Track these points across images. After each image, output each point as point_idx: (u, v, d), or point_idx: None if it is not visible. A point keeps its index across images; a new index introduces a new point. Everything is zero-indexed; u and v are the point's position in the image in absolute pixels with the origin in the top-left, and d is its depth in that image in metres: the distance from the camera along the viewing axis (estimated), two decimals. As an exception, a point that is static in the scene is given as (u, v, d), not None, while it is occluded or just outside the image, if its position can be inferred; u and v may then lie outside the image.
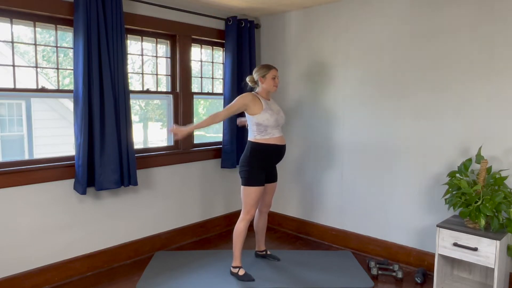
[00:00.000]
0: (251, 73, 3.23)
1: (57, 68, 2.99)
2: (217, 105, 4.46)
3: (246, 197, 2.95)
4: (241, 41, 3.93)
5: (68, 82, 3.68)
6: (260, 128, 2.91)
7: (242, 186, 2.97)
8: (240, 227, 2.98)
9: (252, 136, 2.96)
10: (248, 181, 2.93)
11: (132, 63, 3.79)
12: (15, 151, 4.50)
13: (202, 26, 3.80)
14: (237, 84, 3.86)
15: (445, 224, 2.62)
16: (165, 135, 3.82)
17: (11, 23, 2.72)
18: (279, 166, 4.13)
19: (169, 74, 3.70)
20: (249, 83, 3.08)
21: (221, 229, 4.13)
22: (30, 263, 2.81)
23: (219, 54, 4.16)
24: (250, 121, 2.96)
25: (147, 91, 3.53)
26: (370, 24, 3.34)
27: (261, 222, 3.29)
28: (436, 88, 3.01)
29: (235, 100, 2.92)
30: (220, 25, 3.95)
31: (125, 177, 3.10)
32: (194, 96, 3.86)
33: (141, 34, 3.43)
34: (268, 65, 3.02)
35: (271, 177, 3.13)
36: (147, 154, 3.46)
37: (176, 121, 3.73)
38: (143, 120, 4.85)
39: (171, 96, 3.71)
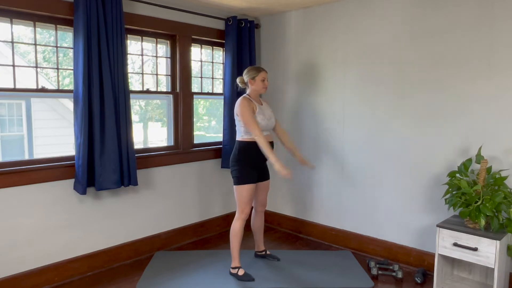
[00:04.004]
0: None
1: (57, 68, 2.99)
2: (217, 105, 4.46)
3: (239, 196, 2.97)
4: (241, 41, 3.93)
5: (68, 82, 3.68)
6: (248, 129, 2.93)
7: (234, 186, 2.99)
8: (236, 227, 2.99)
9: (240, 135, 2.99)
10: (239, 180, 2.95)
11: (132, 63, 3.79)
12: (15, 151, 4.50)
13: (202, 26, 3.80)
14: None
15: (445, 224, 2.62)
16: (165, 135, 3.82)
17: (11, 23, 2.72)
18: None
19: (169, 74, 3.70)
20: (239, 84, 3.11)
21: (221, 229, 4.13)
22: (30, 263, 2.82)
23: (219, 54, 4.16)
24: (237, 122, 2.99)
25: (147, 91, 3.53)
26: (370, 24, 3.35)
27: (258, 222, 3.29)
28: (436, 88, 3.01)
29: (243, 114, 2.86)
30: (220, 25, 3.95)
31: (125, 177, 3.10)
32: (194, 96, 3.86)
33: (141, 34, 3.43)
34: (257, 67, 3.05)
35: (263, 175, 3.14)
36: (147, 154, 3.46)
37: (176, 121, 3.73)
38: (143, 120, 4.85)
39: (171, 96, 3.71)
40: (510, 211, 2.42)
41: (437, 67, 2.99)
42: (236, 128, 3.04)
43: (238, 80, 3.12)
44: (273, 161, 2.80)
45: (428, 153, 3.09)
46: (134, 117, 4.19)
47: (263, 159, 3.07)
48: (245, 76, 3.04)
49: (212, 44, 4.02)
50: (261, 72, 3.02)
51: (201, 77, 4.00)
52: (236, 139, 3.03)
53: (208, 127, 4.76)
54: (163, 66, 3.72)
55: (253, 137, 2.86)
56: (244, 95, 3.04)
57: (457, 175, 2.65)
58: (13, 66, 2.74)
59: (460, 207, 2.57)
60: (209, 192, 4.02)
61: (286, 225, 4.18)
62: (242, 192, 2.95)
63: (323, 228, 3.83)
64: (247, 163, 2.96)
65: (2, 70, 3.02)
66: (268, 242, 3.76)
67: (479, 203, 2.46)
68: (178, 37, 3.63)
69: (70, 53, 3.08)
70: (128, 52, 3.27)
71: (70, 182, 2.96)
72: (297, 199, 4.07)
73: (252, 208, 3.21)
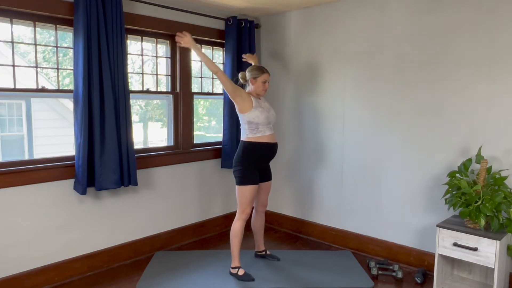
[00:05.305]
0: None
1: (57, 68, 2.99)
2: (217, 105, 4.46)
3: (240, 196, 2.97)
4: (241, 41, 3.93)
5: (68, 82, 3.68)
6: (251, 126, 2.94)
7: (236, 186, 2.99)
8: (236, 227, 2.99)
9: (244, 135, 2.99)
10: (242, 180, 2.95)
11: (132, 63, 3.79)
12: (15, 151, 4.50)
13: (202, 26, 3.80)
14: (237, 84, 3.85)
15: (445, 224, 2.62)
16: (165, 135, 3.82)
17: (11, 23, 2.72)
18: (280, 166, 4.14)
19: (169, 74, 3.70)
20: (240, 79, 3.12)
21: (221, 229, 4.13)
22: (30, 263, 2.82)
23: (219, 54, 4.16)
24: (241, 120, 3.00)
25: (147, 91, 3.53)
26: (370, 24, 3.34)
27: (258, 222, 3.29)
28: (436, 88, 3.01)
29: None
30: (220, 25, 3.95)
31: (125, 177, 3.10)
32: (194, 96, 3.86)
33: (141, 34, 3.43)
34: (261, 68, 3.04)
35: (266, 176, 3.14)
36: (147, 154, 3.46)
37: (176, 121, 3.73)
38: (143, 120, 4.85)
39: (171, 96, 3.71)
40: (510, 211, 2.42)
41: (437, 67, 2.99)
42: (241, 127, 3.04)
43: (240, 75, 3.12)
44: (199, 48, 2.96)
45: (428, 153, 3.08)
46: (134, 117, 4.19)
47: (266, 159, 3.07)
48: (248, 73, 3.04)
49: (212, 44, 4.02)
50: (264, 74, 3.01)
51: (201, 77, 3.99)
52: (241, 139, 3.03)
53: (208, 127, 4.76)
54: (163, 66, 3.72)
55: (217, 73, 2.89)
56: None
57: (457, 175, 2.65)
58: (13, 66, 2.74)
59: (460, 207, 2.57)
60: (209, 192, 4.02)
61: (286, 225, 4.18)
62: (244, 192, 2.95)
63: (323, 228, 3.83)
64: (251, 163, 2.96)
65: (2, 70, 3.02)
66: (268, 242, 3.76)
67: (479, 203, 2.46)
68: (178, 37, 3.63)
69: (70, 53, 3.08)
70: (128, 52, 3.27)
71: (70, 182, 2.96)
72: (297, 199, 4.07)
73: (252, 208, 3.21)
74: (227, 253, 3.42)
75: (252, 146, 2.95)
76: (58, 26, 2.93)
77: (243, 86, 3.15)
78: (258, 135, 2.95)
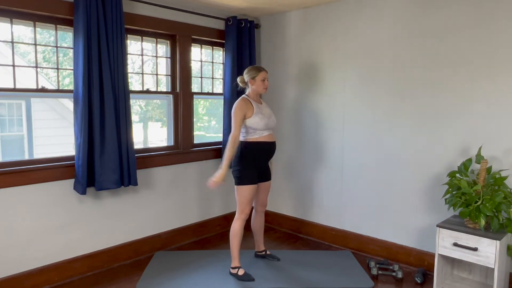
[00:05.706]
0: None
1: (57, 68, 2.99)
2: (217, 105, 4.46)
3: (239, 196, 2.97)
4: (241, 41, 3.93)
5: (68, 82, 3.68)
6: (249, 130, 2.96)
7: (235, 186, 3.00)
8: (235, 227, 2.99)
9: (242, 136, 3.00)
10: (240, 180, 2.96)
11: (132, 63, 3.79)
12: (15, 151, 4.50)
13: (202, 26, 3.80)
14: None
15: (445, 224, 2.62)
16: (165, 135, 3.82)
17: (11, 23, 2.72)
18: (280, 166, 4.14)
19: (169, 74, 3.71)
20: (240, 84, 3.13)
21: (221, 229, 4.13)
22: (30, 263, 2.82)
23: (219, 54, 4.16)
24: None
25: (147, 91, 3.53)
26: (370, 24, 3.35)
27: (258, 222, 3.30)
28: (436, 88, 3.01)
29: (233, 114, 2.94)
30: (220, 25, 3.95)
31: (125, 177, 3.10)
32: (194, 96, 3.86)
33: (141, 34, 3.43)
34: (258, 67, 3.05)
35: (264, 176, 3.14)
36: (147, 154, 3.46)
37: (176, 121, 3.73)
38: (143, 120, 4.85)
39: (171, 96, 3.71)
40: (510, 211, 2.42)
41: (437, 67, 2.99)
42: None
43: (238, 79, 3.14)
44: (222, 168, 2.88)
45: (428, 153, 3.08)
46: (134, 117, 4.19)
47: (265, 159, 3.07)
48: (246, 75, 3.05)
49: (212, 44, 4.02)
50: (262, 72, 3.02)
51: (201, 77, 4.00)
52: (240, 139, 3.03)
53: (208, 127, 4.76)
54: (163, 66, 3.72)
55: (234, 136, 2.89)
56: (243, 95, 3.05)
57: (457, 175, 2.65)
58: (13, 66, 2.74)
59: (460, 207, 2.57)
60: (209, 192, 4.02)
61: (286, 225, 4.18)
62: (243, 192, 2.96)
63: (323, 228, 3.83)
64: (249, 163, 2.96)
65: (2, 70, 3.02)
66: (268, 242, 3.76)
67: (479, 203, 2.46)
68: (178, 37, 3.63)
69: (70, 53, 3.08)
70: (128, 52, 3.27)
71: (70, 182, 2.96)
72: (297, 199, 4.07)
73: (252, 208, 3.22)
74: (227, 253, 3.42)
75: (250, 146, 2.96)
76: (58, 26, 2.93)
77: (244, 90, 3.15)
78: (256, 136, 2.96)
